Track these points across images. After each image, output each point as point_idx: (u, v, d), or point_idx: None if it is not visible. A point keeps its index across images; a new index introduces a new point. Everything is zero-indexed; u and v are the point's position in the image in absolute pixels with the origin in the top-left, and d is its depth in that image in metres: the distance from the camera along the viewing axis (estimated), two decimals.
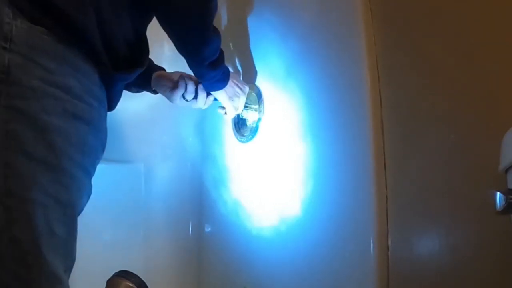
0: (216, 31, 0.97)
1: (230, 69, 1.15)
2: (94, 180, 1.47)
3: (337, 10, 1.08)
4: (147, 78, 1.16)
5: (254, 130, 1.27)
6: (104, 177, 1.40)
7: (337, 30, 1.08)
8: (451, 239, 0.87)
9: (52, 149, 0.72)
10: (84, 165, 0.78)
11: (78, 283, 1.29)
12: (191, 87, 1.14)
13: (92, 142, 0.80)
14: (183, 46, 0.97)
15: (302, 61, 1.16)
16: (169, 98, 1.17)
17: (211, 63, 1.01)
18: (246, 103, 1.29)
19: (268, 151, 1.23)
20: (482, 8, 0.84)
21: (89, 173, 0.81)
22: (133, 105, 1.39)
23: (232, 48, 1.37)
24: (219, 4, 1.48)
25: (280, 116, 1.20)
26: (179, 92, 1.15)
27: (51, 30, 0.73)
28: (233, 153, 1.36)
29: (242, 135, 1.31)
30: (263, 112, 1.26)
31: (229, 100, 1.17)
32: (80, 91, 0.76)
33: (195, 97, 1.15)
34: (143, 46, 0.92)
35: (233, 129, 1.34)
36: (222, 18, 1.44)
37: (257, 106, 1.26)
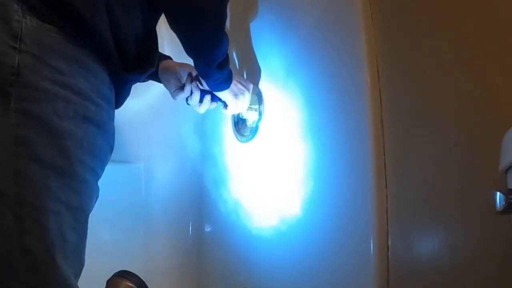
0: (225, 33, 0.97)
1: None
2: None
3: (337, 10, 1.08)
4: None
5: (254, 130, 1.27)
6: (104, 177, 1.40)
7: (337, 30, 1.08)
8: (451, 239, 0.87)
9: (64, 154, 0.70)
10: (93, 167, 0.76)
11: (79, 283, 1.29)
12: (196, 96, 1.15)
13: (101, 144, 0.78)
14: (195, 48, 0.95)
15: (302, 61, 1.16)
16: (172, 95, 1.18)
17: (218, 65, 1.01)
18: None
19: (268, 151, 1.23)
20: (482, 8, 0.84)
21: (98, 176, 0.79)
22: (133, 105, 1.39)
23: (232, 48, 1.37)
24: None
25: (280, 116, 1.20)
26: (184, 95, 1.15)
27: (60, 28, 0.70)
28: (233, 153, 1.36)
29: (242, 135, 1.31)
30: (263, 112, 1.26)
31: (234, 99, 1.17)
32: (89, 92, 0.74)
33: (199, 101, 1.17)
34: (152, 43, 0.91)
35: (233, 129, 1.34)
36: None
37: (257, 106, 1.26)
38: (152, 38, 0.91)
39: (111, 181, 1.40)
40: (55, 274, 0.69)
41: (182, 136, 1.52)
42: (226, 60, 1.03)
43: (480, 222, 0.81)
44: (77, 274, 0.76)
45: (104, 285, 1.08)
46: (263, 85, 1.27)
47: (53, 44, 0.69)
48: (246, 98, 1.20)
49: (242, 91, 1.17)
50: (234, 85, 1.15)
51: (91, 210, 0.79)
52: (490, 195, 0.60)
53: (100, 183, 0.82)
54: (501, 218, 0.62)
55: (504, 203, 0.58)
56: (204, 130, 1.51)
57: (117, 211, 1.41)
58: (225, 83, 1.12)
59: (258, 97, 1.27)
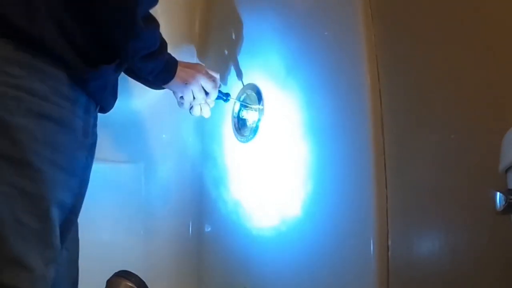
0: (149, 24, 0.94)
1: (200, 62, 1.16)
2: (94, 180, 1.47)
3: (337, 10, 1.08)
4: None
5: (254, 130, 1.27)
6: (104, 177, 1.41)
7: (337, 30, 1.08)
8: (451, 239, 0.87)
9: (17, 145, 0.76)
10: (55, 161, 0.81)
11: (79, 283, 1.29)
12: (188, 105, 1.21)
13: (64, 140, 0.83)
14: (112, 39, 0.94)
15: (302, 61, 1.16)
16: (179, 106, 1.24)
17: (146, 56, 1.00)
18: (246, 102, 1.29)
19: (268, 151, 1.23)
20: (482, 8, 0.84)
21: (65, 170, 0.83)
22: (133, 105, 1.39)
23: (232, 47, 1.37)
24: (220, 2, 1.48)
25: (280, 116, 1.20)
26: (184, 107, 1.22)
27: (14, 40, 0.78)
28: (233, 153, 1.36)
29: (242, 135, 1.31)
30: (263, 112, 1.26)
31: (186, 92, 1.17)
32: (46, 93, 0.80)
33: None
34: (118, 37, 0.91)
35: (233, 129, 1.34)
36: (222, 18, 1.44)
37: (257, 106, 1.26)
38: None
39: (111, 181, 1.41)
40: (2, 250, 0.75)
41: (182, 136, 1.52)
42: (158, 51, 1.01)
43: (480, 222, 0.81)
44: (49, 261, 0.80)
45: (104, 285, 1.08)
46: (263, 84, 1.27)
47: (7, 54, 0.78)
48: (209, 89, 1.19)
49: (192, 78, 1.16)
50: (182, 71, 1.14)
51: (65, 203, 0.84)
52: (490, 195, 0.60)
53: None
54: (501, 218, 0.62)
55: (504, 203, 0.58)
56: (204, 130, 1.51)
57: (117, 211, 1.41)
58: (164, 75, 1.11)
59: (258, 97, 1.27)
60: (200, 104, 1.21)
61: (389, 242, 0.94)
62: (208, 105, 1.23)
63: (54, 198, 0.81)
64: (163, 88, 1.19)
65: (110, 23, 0.91)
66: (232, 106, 1.34)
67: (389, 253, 0.94)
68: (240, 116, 1.30)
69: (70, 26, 0.84)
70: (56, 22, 0.82)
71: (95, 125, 0.97)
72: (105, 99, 0.96)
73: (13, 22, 0.78)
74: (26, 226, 0.77)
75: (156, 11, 0.95)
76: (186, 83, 1.16)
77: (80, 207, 0.96)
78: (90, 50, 0.86)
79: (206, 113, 1.23)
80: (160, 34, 1.01)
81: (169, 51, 1.24)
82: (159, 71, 1.09)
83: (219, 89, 1.24)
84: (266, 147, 1.23)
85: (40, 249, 0.78)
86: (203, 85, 1.18)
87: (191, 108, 1.21)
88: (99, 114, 1.04)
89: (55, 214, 0.81)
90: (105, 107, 0.99)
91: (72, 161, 0.86)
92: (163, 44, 1.04)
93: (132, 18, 0.89)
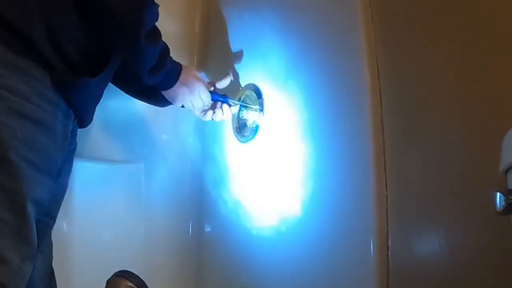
0: (151, 41, 0.96)
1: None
2: (94, 180, 1.47)
3: (337, 10, 1.08)
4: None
5: (254, 130, 1.27)
6: (104, 177, 1.41)
7: (337, 30, 1.08)
8: (451, 239, 0.87)
9: None
10: (32, 160, 0.82)
11: (78, 283, 1.29)
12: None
13: (42, 140, 0.84)
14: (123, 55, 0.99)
15: (302, 61, 1.16)
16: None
17: (149, 71, 1.02)
18: (246, 103, 1.29)
19: (268, 151, 1.23)
20: (482, 8, 0.84)
21: (41, 170, 0.84)
22: (133, 105, 1.39)
23: (232, 47, 1.37)
24: (220, 2, 1.48)
25: (280, 116, 1.21)
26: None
27: (3, 41, 0.80)
28: (233, 153, 1.36)
29: (243, 135, 1.31)
30: (263, 112, 1.26)
31: (185, 103, 1.21)
32: (28, 94, 0.82)
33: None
34: (103, 54, 0.93)
35: (233, 129, 1.34)
36: (222, 18, 1.44)
37: (257, 106, 1.26)
38: (103, 49, 0.93)
39: (111, 181, 1.41)
40: None
41: (182, 136, 1.52)
42: (157, 66, 1.03)
43: (480, 223, 0.81)
44: (26, 257, 0.81)
45: (104, 285, 1.08)
46: (263, 84, 1.27)
47: None
48: (197, 97, 1.21)
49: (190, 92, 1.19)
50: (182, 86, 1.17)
51: (40, 201, 0.85)
52: (490, 195, 0.60)
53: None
54: (501, 218, 0.62)
55: (504, 203, 0.58)
56: (204, 130, 1.51)
57: (117, 211, 1.41)
58: (165, 84, 1.14)
59: (258, 97, 1.27)
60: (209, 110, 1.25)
61: (389, 242, 0.94)
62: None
63: (31, 194, 0.82)
64: (166, 105, 1.22)
65: (113, 38, 0.93)
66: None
67: (389, 253, 0.94)
68: (240, 116, 1.29)
69: (60, 32, 0.85)
70: (47, 26, 0.83)
71: (75, 134, 0.99)
72: (84, 112, 0.97)
73: (4, 21, 0.80)
74: (2, 221, 0.78)
75: None
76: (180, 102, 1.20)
77: (57, 212, 0.98)
78: (76, 58, 0.88)
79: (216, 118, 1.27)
80: (162, 46, 1.03)
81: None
82: (161, 80, 1.10)
83: (217, 92, 1.27)
84: (266, 147, 1.23)
85: (16, 243, 0.79)
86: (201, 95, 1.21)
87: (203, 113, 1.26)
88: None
89: (32, 211, 0.82)
90: (83, 121, 1.00)
91: (49, 162, 0.87)
92: (162, 56, 1.05)
93: (136, 37, 0.92)
